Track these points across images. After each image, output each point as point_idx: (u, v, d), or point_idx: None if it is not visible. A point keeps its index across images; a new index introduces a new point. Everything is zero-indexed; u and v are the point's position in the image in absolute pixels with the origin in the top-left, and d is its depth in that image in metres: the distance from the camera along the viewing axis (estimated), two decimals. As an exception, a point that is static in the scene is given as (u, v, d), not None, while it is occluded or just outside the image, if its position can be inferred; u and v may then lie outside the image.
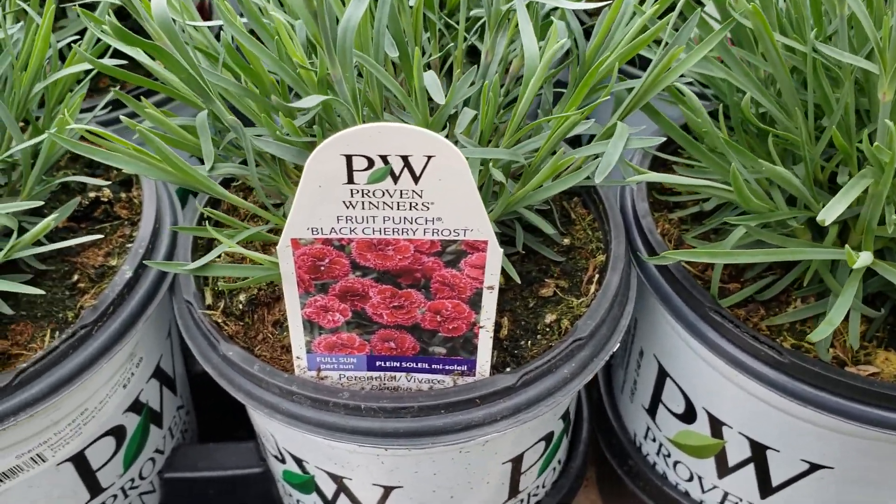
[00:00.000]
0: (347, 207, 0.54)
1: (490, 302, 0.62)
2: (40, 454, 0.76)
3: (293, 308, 0.63)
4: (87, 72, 0.76)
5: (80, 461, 0.80)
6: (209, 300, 0.76)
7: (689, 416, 0.84)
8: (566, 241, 0.80)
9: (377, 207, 0.54)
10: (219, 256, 0.73)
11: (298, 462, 0.79)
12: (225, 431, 1.11)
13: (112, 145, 0.54)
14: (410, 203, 0.54)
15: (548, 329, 0.73)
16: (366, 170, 0.51)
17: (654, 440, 0.92)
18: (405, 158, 0.50)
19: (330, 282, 0.61)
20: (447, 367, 0.67)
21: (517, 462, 0.80)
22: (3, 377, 0.67)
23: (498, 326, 0.73)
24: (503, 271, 0.77)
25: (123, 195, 0.85)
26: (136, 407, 0.84)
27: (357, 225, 0.56)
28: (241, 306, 0.75)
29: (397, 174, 0.51)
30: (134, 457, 0.87)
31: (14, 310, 0.73)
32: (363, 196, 0.53)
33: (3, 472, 0.74)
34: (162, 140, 0.60)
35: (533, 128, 0.62)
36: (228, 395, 0.75)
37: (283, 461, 0.82)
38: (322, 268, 0.60)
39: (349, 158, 0.50)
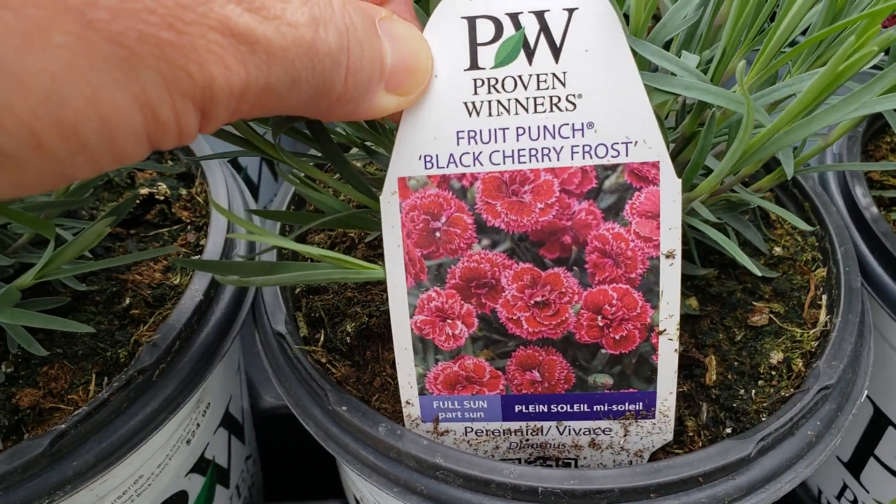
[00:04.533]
0: (470, 114, 0.41)
1: (671, 282, 0.43)
2: (80, 536, 0.57)
3: (399, 314, 0.45)
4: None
5: (130, 540, 0.61)
6: (304, 331, 0.57)
7: (920, 477, 0.64)
8: (776, 250, 0.60)
9: (508, 111, 0.40)
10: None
11: (418, 543, 0.60)
12: (295, 478, 0.92)
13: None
14: (551, 99, 0.40)
15: (773, 372, 0.53)
16: (493, 41, 0.39)
17: (853, 502, 0.72)
18: (541, 17, 0.39)
19: (448, 261, 0.44)
20: (615, 408, 0.48)
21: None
22: (35, 444, 0.48)
23: (702, 369, 0.54)
24: (696, 286, 0.57)
25: (184, 192, 0.66)
26: (201, 466, 0.65)
27: (483, 146, 0.41)
28: (348, 340, 0.56)
29: (532, 46, 0.39)
30: (197, 528, 0.68)
31: (46, 347, 0.54)
32: (490, 91, 0.40)
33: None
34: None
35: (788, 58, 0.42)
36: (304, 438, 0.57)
37: (393, 538, 0.63)
38: (438, 234, 0.43)
39: (472, 23, 0.39)
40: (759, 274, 0.44)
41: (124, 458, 0.51)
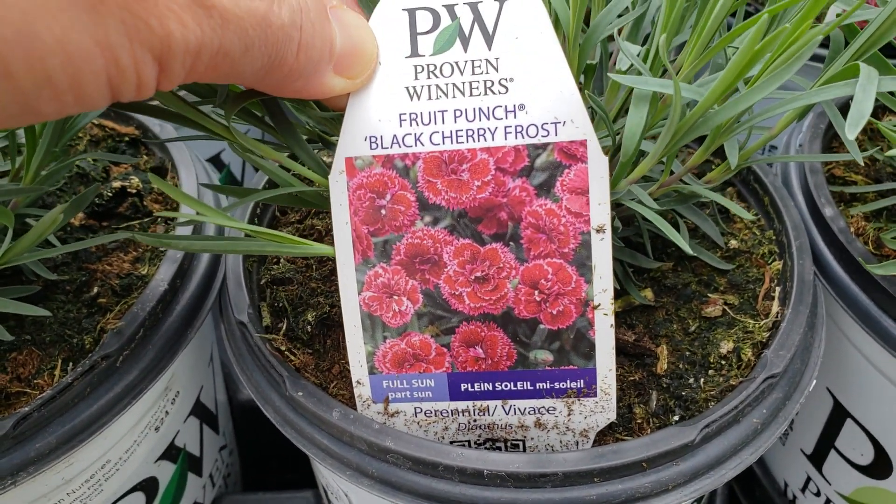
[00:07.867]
0: (412, 98, 0.44)
1: (603, 256, 0.45)
2: (49, 519, 0.58)
3: (348, 291, 0.47)
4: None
5: (100, 525, 0.63)
6: (267, 320, 0.58)
7: (879, 469, 0.65)
8: (732, 243, 0.61)
9: (446, 95, 0.43)
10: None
11: (380, 529, 0.61)
12: (272, 470, 0.94)
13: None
14: (485, 83, 0.43)
15: (723, 362, 0.54)
16: (431, 31, 0.43)
17: (817, 494, 0.73)
18: (474, 7, 0.42)
19: (393, 237, 0.46)
20: (557, 385, 0.49)
21: (664, 532, 0.61)
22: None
23: (654, 358, 0.55)
24: (650, 280, 0.58)
25: (156, 185, 0.68)
26: (171, 453, 0.66)
27: (423, 128, 0.44)
28: (309, 328, 0.57)
29: (467, 34, 0.43)
30: (168, 514, 0.69)
31: (14, 333, 0.56)
32: (429, 76, 0.43)
33: (2, 541, 0.57)
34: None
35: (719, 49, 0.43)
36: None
37: (357, 525, 0.64)
38: (383, 211, 0.46)
39: (412, 15, 0.43)
40: (689, 251, 0.46)
41: (87, 441, 0.53)
